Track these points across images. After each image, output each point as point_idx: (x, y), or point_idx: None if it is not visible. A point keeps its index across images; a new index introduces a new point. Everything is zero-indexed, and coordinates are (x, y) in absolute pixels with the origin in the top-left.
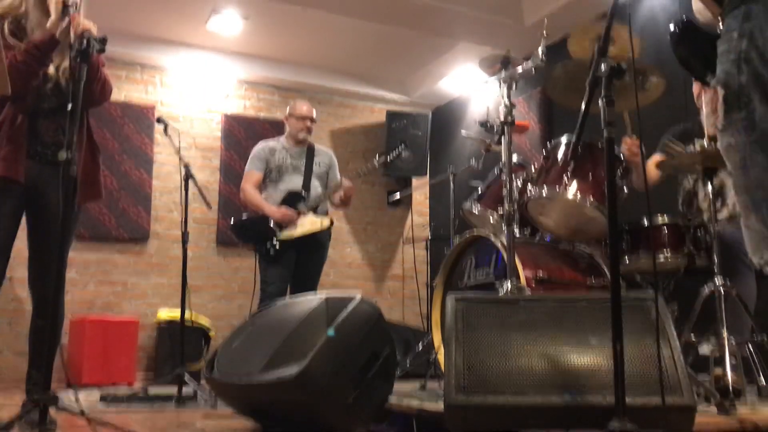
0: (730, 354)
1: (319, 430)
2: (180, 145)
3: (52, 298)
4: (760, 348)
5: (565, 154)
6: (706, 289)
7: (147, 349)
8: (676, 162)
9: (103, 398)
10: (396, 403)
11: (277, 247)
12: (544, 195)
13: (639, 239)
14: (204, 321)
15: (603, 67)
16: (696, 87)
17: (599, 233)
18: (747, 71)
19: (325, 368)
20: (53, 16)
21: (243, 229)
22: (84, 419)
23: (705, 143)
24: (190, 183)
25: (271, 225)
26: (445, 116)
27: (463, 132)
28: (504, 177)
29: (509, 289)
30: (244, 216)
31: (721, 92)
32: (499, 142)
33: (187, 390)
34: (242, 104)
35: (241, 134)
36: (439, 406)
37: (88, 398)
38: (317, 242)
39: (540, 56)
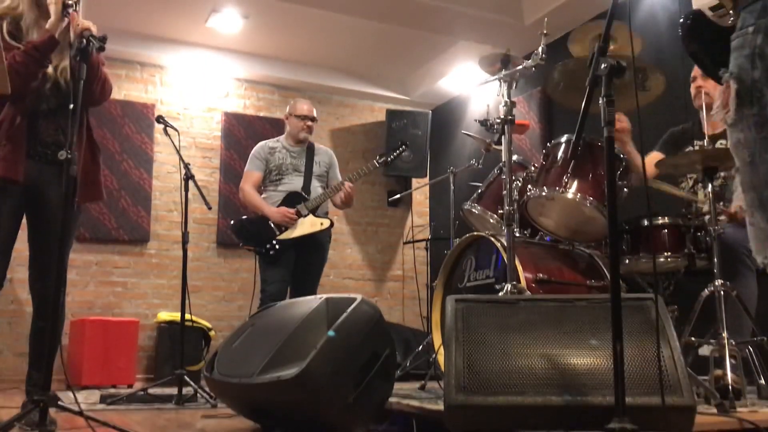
0: (730, 355)
1: (319, 430)
2: (180, 145)
3: (53, 299)
4: (760, 349)
5: (565, 153)
6: (706, 290)
7: (147, 350)
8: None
9: (103, 398)
10: (396, 403)
11: (277, 247)
12: (544, 195)
13: (639, 240)
14: (204, 323)
15: (603, 65)
16: (693, 87)
17: (599, 233)
18: (761, 67)
19: (325, 368)
20: (53, 17)
21: (242, 230)
22: (83, 419)
23: (705, 143)
24: (190, 183)
25: (271, 226)
26: (445, 115)
27: (464, 131)
28: (504, 177)
29: (509, 290)
30: (244, 217)
31: (733, 87)
32: (499, 142)
33: (187, 390)
34: (242, 103)
35: (241, 133)
36: (439, 406)
37: (88, 399)
38: (317, 243)
39: (540, 55)
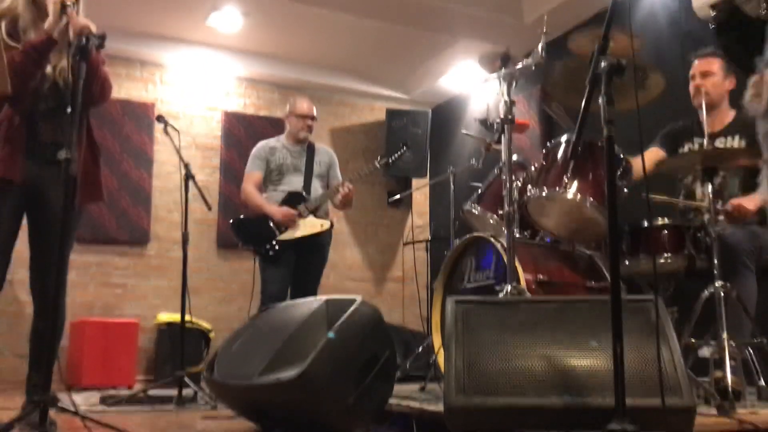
0: (730, 356)
1: (319, 431)
2: (180, 145)
3: (53, 300)
4: (760, 350)
5: (565, 153)
6: (707, 291)
7: (147, 351)
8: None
9: (103, 400)
10: (396, 405)
11: (277, 248)
12: (544, 195)
13: (639, 241)
14: (204, 324)
15: (603, 64)
16: (693, 86)
17: (599, 234)
18: None
19: (325, 370)
20: (51, 17)
21: (242, 229)
22: (81, 421)
23: (705, 142)
24: (190, 183)
25: (271, 225)
26: (445, 114)
27: (464, 131)
28: (504, 177)
29: (509, 291)
30: (243, 216)
31: None
32: (499, 141)
33: (187, 392)
34: (242, 102)
35: (241, 133)
36: (439, 407)
37: (88, 400)
38: (317, 244)
39: (540, 54)
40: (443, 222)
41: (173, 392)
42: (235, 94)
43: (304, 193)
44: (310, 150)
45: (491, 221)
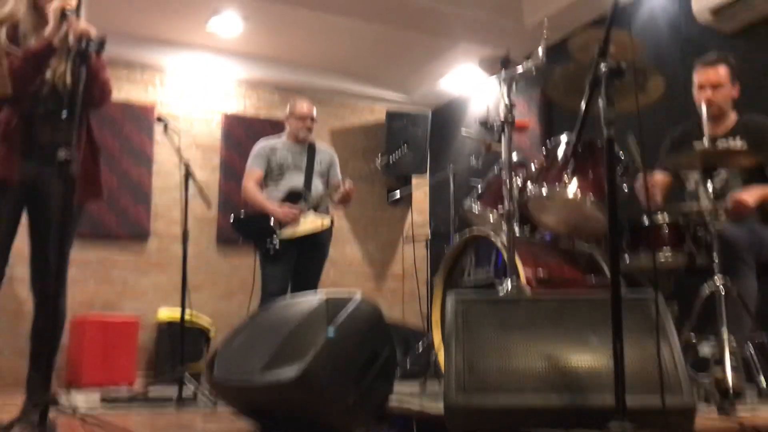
0: (731, 354)
1: (319, 431)
2: (180, 144)
3: (52, 299)
4: (761, 348)
5: (565, 152)
6: (707, 288)
7: (147, 349)
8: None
9: (103, 399)
10: (396, 404)
11: (277, 246)
12: (544, 194)
13: (639, 238)
14: (204, 320)
15: (603, 67)
16: (704, 98)
17: (599, 232)
18: None
19: (325, 369)
20: (51, 23)
21: (243, 226)
22: (80, 421)
23: (705, 144)
24: (190, 182)
25: (272, 223)
26: (445, 116)
27: (463, 131)
28: (504, 175)
29: (509, 288)
30: (244, 213)
31: None
32: (499, 141)
33: (187, 391)
34: (242, 104)
35: (241, 134)
36: (439, 406)
37: (88, 400)
38: (318, 241)
39: (540, 57)
40: (443, 219)
41: (173, 391)
42: (235, 96)
43: (304, 191)
44: (311, 149)
45: (491, 219)
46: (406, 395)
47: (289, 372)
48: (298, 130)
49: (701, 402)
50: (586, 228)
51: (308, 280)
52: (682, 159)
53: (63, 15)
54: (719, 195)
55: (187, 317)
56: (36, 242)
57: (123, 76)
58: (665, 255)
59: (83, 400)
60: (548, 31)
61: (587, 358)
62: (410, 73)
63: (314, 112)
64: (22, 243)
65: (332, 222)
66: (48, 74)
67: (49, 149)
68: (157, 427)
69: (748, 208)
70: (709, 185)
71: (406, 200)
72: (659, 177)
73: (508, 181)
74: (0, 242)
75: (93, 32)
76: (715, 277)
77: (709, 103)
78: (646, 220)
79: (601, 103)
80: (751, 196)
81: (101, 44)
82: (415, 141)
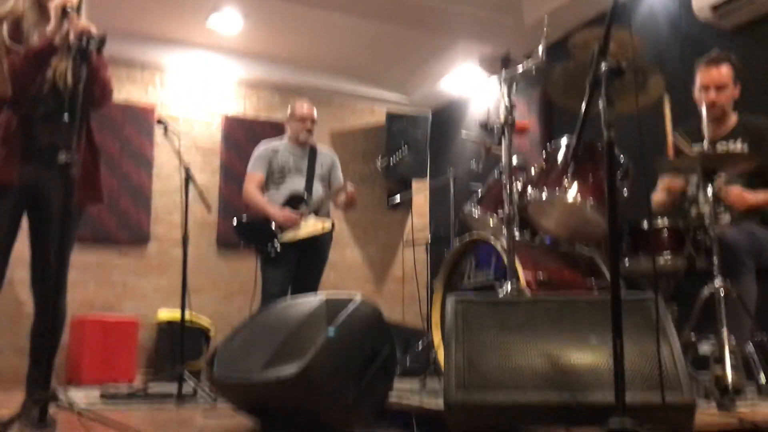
0: (730, 353)
1: (319, 429)
2: (180, 147)
3: (52, 300)
4: (760, 347)
5: (566, 155)
6: (707, 290)
7: (147, 350)
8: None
9: (103, 396)
10: (396, 402)
11: (278, 249)
12: (544, 198)
13: (639, 241)
14: (204, 321)
15: (603, 66)
16: (706, 99)
17: (599, 235)
18: None
19: (325, 367)
20: (52, 22)
21: (245, 230)
22: (82, 416)
23: (705, 146)
24: (190, 185)
25: (273, 227)
26: (445, 117)
27: (464, 133)
28: (504, 179)
29: (509, 290)
30: (245, 216)
31: None
32: (499, 144)
33: (187, 388)
34: (242, 105)
35: (241, 136)
36: (438, 403)
37: (88, 396)
38: (318, 244)
39: (540, 56)
40: (443, 223)
41: (173, 389)
42: (235, 97)
43: (305, 195)
44: (312, 152)
45: (491, 223)
46: (406, 392)
47: (289, 369)
48: (299, 132)
49: (701, 399)
50: (586, 232)
51: (308, 283)
52: (681, 162)
53: (64, 12)
54: (719, 198)
55: (186, 317)
56: (36, 245)
57: (123, 76)
58: (665, 258)
59: (83, 396)
60: (548, 29)
61: (587, 356)
62: (410, 72)
63: (315, 114)
64: (22, 246)
65: (333, 225)
66: (49, 73)
67: (49, 151)
68: (156, 422)
69: (746, 204)
70: (709, 189)
71: (406, 204)
72: (675, 181)
73: (508, 185)
74: (0, 244)
75: (94, 30)
76: (715, 280)
77: (713, 105)
78: (645, 224)
79: (601, 103)
80: (753, 196)
81: (102, 42)
82: (415, 143)
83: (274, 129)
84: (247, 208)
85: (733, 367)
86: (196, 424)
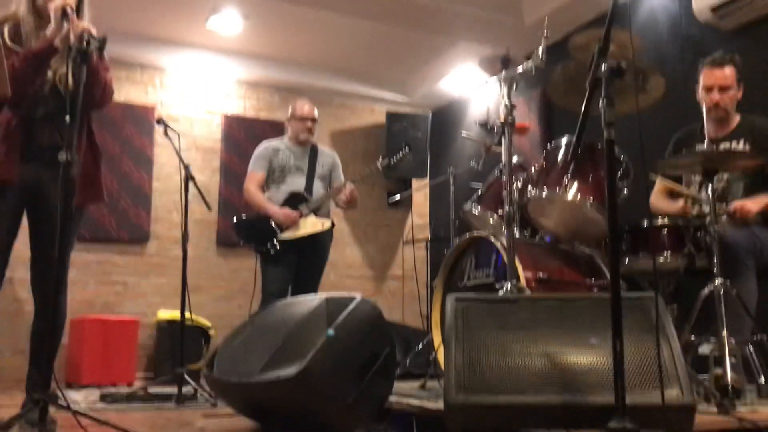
0: (730, 353)
1: (319, 430)
2: (180, 147)
3: (52, 299)
4: (760, 348)
5: (566, 155)
6: (707, 290)
7: (147, 349)
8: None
9: (103, 397)
10: (396, 402)
11: (278, 247)
12: (544, 196)
13: (639, 240)
14: (204, 321)
15: (603, 67)
16: (709, 100)
17: (599, 234)
18: None
19: (325, 367)
20: (53, 23)
21: (244, 229)
22: (81, 418)
23: (706, 145)
24: (190, 184)
25: (273, 226)
26: (445, 117)
27: (464, 133)
28: (504, 178)
29: (509, 289)
30: (245, 215)
31: None
32: (499, 143)
33: (187, 389)
34: (242, 105)
35: (241, 136)
36: (439, 405)
37: (88, 398)
38: (318, 244)
39: (540, 57)
40: (443, 222)
41: (173, 390)
42: (235, 97)
43: (305, 194)
44: (313, 151)
45: (491, 221)
46: (406, 393)
47: (289, 370)
48: (299, 132)
49: (701, 400)
50: (586, 231)
51: (308, 282)
52: (682, 162)
53: (64, 14)
54: (721, 198)
55: (186, 318)
56: (36, 244)
57: (123, 77)
58: (665, 257)
59: (82, 397)
60: (548, 29)
61: (587, 356)
62: (410, 72)
63: (315, 113)
64: (22, 246)
65: (333, 225)
66: (49, 74)
67: (50, 151)
68: (156, 424)
69: (751, 216)
70: (710, 188)
71: (406, 203)
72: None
73: (508, 184)
74: (0, 243)
75: (94, 31)
76: (715, 279)
77: (716, 106)
78: (645, 223)
79: (601, 104)
80: (755, 203)
81: (102, 43)
82: (416, 143)
83: (274, 129)
84: (247, 207)
85: (733, 367)
86: (196, 425)
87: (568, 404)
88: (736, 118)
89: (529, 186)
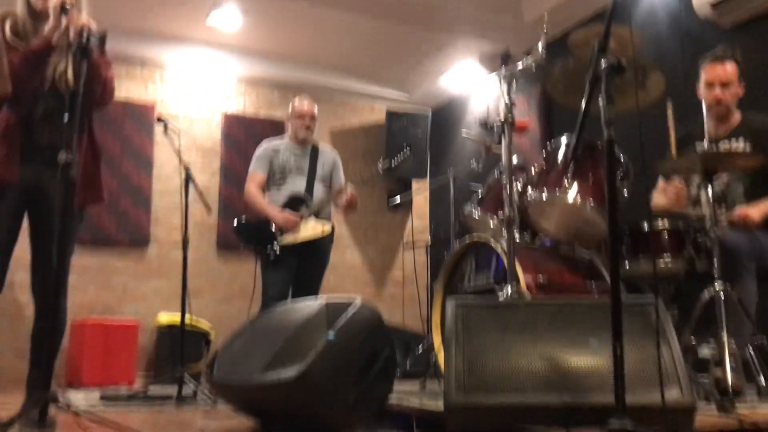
0: (730, 355)
1: (319, 430)
2: (180, 146)
3: (53, 300)
4: (760, 349)
5: (566, 155)
6: (707, 293)
7: (147, 353)
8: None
9: (103, 398)
10: (396, 403)
11: (277, 251)
12: (544, 198)
13: (639, 243)
14: (204, 324)
15: (603, 63)
16: (711, 96)
17: (599, 236)
18: None
19: (325, 369)
20: (51, 19)
21: (245, 231)
22: (81, 418)
23: (706, 145)
24: (190, 186)
25: (273, 229)
26: (445, 115)
27: (464, 132)
28: (504, 180)
29: (509, 293)
30: (245, 218)
31: None
32: (499, 143)
33: (187, 390)
34: (242, 103)
35: (241, 134)
36: (438, 404)
37: (88, 398)
38: (319, 247)
39: (540, 53)
40: (443, 224)
41: (173, 391)
42: (235, 95)
43: (306, 196)
44: (314, 152)
45: (491, 224)
46: (406, 394)
47: (289, 372)
48: (298, 129)
49: (701, 401)
50: (586, 233)
51: (309, 286)
52: (681, 162)
53: (63, 10)
54: (720, 199)
55: (186, 320)
56: (37, 245)
57: (122, 73)
58: (665, 261)
59: (83, 398)
60: (548, 26)
61: (587, 358)
62: (410, 69)
63: (315, 110)
64: (22, 248)
65: (333, 228)
66: (49, 71)
67: (50, 151)
68: (157, 424)
69: (754, 223)
70: (710, 190)
71: (407, 205)
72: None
73: (508, 186)
74: (1, 244)
75: (93, 26)
76: (715, 282)
77: (718, 102)
78: (645, 226)
79: (601, 101)
80: (757, 210)
81: (102, 38)
82: (416, 142)
83: (274, 128)
84: (247, 209)
85: (733, 369)
86: (195, 426)
87: (568, 404)
88: (737, 116)
89: (529, 188)
